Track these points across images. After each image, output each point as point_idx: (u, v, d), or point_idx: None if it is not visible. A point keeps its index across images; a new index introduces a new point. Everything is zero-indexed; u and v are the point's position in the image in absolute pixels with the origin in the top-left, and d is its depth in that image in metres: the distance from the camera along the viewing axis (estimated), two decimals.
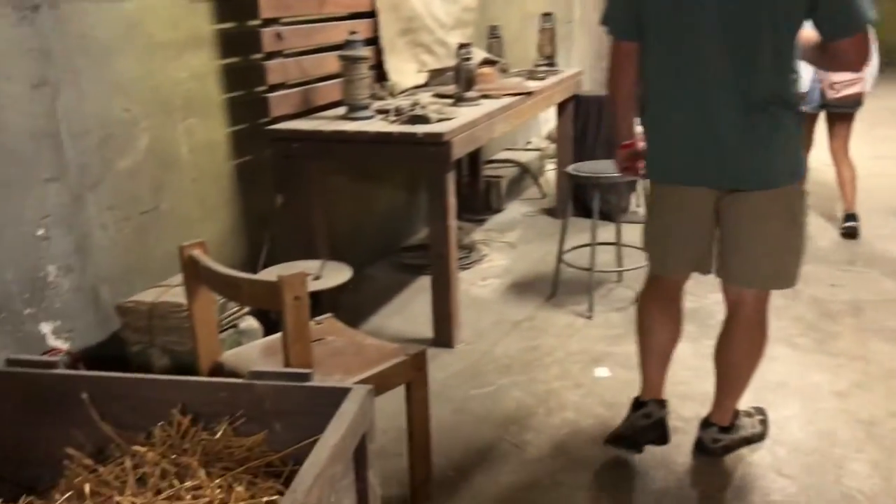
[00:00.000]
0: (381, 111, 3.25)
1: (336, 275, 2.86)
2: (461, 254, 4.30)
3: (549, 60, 4.71)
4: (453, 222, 3.04)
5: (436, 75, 4.25)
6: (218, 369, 2.09)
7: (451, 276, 3.06)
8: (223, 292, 1.95)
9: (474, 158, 5.00)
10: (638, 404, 2.41)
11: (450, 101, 3.50)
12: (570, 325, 3.38)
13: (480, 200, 5.12)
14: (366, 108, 3.19)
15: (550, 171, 5.59)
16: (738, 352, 2.27)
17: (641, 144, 2.25)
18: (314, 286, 2.75)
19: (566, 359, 3.07)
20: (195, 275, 1.95)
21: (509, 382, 2.90)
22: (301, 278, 1.70)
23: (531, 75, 4.36)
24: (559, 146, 4.82)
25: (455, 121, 3.05)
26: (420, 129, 2.94)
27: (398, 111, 3.16)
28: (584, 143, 4.92)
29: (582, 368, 2.99)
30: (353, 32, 3.13)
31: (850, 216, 4.48)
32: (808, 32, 1.99)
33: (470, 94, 3.46)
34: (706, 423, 2.41)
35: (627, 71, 2.18)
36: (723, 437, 2.39)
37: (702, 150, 2.06)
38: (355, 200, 3.97)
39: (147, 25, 2.64)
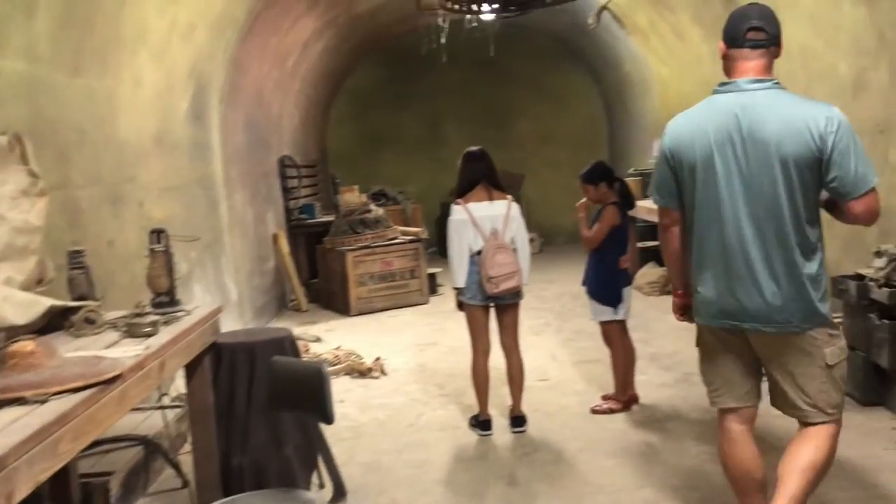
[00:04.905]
0: None
1: None
2: None
3: (168, 298, 3.16)
4: None
5: None
6: None
7: None
8: None
9: None
10: None
11: None
12: None
13: None
14: None
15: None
16: (805, 456, 2.54)
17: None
18: None
19: None
20: None
21: None
22: None
23: (132, 330, 2.74)
24: (195, 424, 3.16)
25: None
26: None
27: None
28: (233, 410, 3.36)
29: None
30: None
31: (518, 418, 4.32)
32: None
33: None
34: None
35: (672, 232, 2.78)
36: None
37: (728, 297, 2.56)
38: None
39: None
